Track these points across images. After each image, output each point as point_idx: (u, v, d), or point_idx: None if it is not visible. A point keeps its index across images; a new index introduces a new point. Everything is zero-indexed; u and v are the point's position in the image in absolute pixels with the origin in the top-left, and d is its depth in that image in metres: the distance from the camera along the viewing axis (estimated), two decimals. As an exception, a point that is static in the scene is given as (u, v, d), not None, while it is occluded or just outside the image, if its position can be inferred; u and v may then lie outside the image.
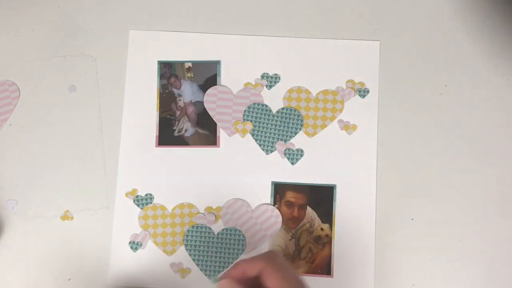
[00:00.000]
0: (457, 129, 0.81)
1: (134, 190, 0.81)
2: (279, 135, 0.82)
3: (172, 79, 0.84)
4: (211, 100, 0.83)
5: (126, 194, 0.81)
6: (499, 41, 0.82)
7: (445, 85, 0.82)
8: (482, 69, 0.82)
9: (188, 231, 0.80)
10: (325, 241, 0.80)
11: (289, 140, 0.82)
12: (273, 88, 0.83)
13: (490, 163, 0.80)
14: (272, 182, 0.81)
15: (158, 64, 0.84)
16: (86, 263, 0.81)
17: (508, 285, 0.78)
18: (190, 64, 0.84)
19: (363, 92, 0.83)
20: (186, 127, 0.83)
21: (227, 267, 0.80)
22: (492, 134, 0.81)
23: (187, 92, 0.84)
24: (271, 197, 0.81)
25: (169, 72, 0.84)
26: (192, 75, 0.84)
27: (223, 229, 0.80)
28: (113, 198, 0.82)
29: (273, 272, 0.57)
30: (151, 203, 0.81)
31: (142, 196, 0.81)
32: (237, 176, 0.82)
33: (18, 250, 0.81)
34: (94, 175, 0.82)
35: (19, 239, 0.81)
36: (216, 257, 0.80)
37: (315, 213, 0.80)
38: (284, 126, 0.82)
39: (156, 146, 0.82)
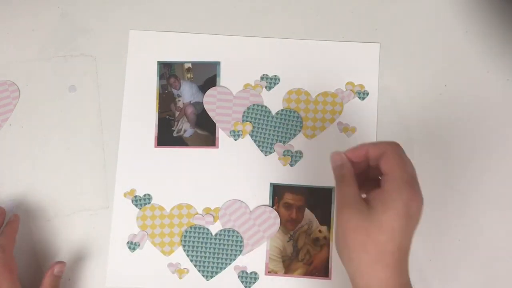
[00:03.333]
0: (457, 129, 0.81)
1: (133, 190, 0.81)
2: (278, 136, 0.82)
3: (172, 80, 0.84)
4: (211, 101, 0.83)
5: (125, 194, 0.81)
6: (499, 41, 0.82)
7: (445, 85, 0.82)
8: (482, 69, 0.82)
9: (186, 231, 0.80)
10: (323, 243, 0.80)
11: (288, 142, 0.82)
12: (272, 90, 0.83)
13: (490, 163, 0.80)
14: (271, 183, 0.81)
15: (157, 64, 0.84)
16: (86, 263, 0.81)
17: (508, 285, 0.78)
18: (189, 65, 0.84)
19: (362, 95, 0.82)
20: (185, 127, 0.83)
21: (224, 268, 0.80)
22: (492, 134, 0.80)
23: (186, 92, 0.84)
24: (269, 198, 0.81)
25: (168, 72, 0.84)
26: (192, 76, 0.84)
27: (221, 230, 0.80)
28: (113, 197, 0.82)
29: (394, 158, 0.60)
30: (149, 203, 0.81)
31: (140, 197, 0.81)
32: (236, 177, 0.81)
33: (18, 250, 0.81)
34: (94, 175, 0.83)
35: (19, 239, 0.81)
36: (214, 258, 0.80)
37: (313, 215, 0.80)
38: (283, 128, 0.82)
39: (155, 147, 0.82)
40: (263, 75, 0.84)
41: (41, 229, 0.82)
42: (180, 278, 0.80)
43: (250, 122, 0.82)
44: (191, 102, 0.83)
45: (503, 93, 0.81)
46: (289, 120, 0.82)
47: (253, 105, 0.83)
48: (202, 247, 0.80)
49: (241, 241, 0.80)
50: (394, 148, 0.61)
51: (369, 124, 0.82)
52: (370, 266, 0.59)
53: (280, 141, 0.82)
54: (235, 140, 0.82)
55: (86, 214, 0.82)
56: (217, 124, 0.83)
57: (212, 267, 0.80)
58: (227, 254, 0.80)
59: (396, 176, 0.59)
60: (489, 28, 0.82)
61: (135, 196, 0.81)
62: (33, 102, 0.84)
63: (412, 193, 0.59)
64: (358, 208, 0.60)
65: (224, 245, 0.80)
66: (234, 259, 0.80)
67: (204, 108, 0.83)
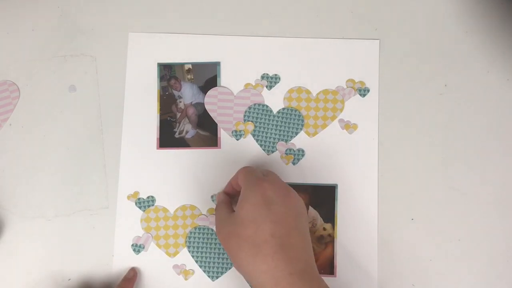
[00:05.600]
0: (457, 129, 0.81)
1: (136, 193, 0.81)
2: (280, 135, 0.82)
3: (172, 81, 0.84)
4: (212, 101, 0.83)
5: (128, 197, 0.81)
6: (499, 41, 0.82)
7: (445, 85, 0.82)
8: (482, 69, 0.82)
9: (191, 232, 0.81)
10: (328, 241, 0.80)
11: (290, 140, 0.82)
12: (273, 89, 0.83)
13: (490, 163, 0.80)
14: (274, 182, 0.81)
15: (157, 66, 0.84)
16: (86, 263, 0.81)
17: (508, 285, 0.78)
18: (190, 66, 0.84)
19: (363, 91, 0.83)
20: (187, 128, 0.83)
21: (230, 268, 0.80)
22: (492, 134, 0.81)
23: (187, 93, 0.83)
24: (273, 198, 0.81)
25: (169, 74, 0.84)
26: (192, 77, 0.84)
27: (225, 230, 0.81)
28: (113, 198, 0.82)
29: (241, 174, 0.72)
30: (153, 205, 0.81)
31: (143, 199, 0.81)
32: (239, 177, 0.82)
33: (18, 250, 0.81)
34: (94, 175, 0.82)
35: (19, 239, 0.81)
36: (219, 258, 0.80)
37: (317, 213, 0.80)
38: (285, 127, 0.82)
39: (157, 149, 0.82)
40: (264, 74, 0.84)
41: (41, 229, 0.82)
42: (185, 279, 0.80)
43: (252, 121, 0.83)
44: (192, 103, 0.83)
45: (503, 93, 0.81)
46: (290, 119, 0.82)
47: (254, 104, 0.83)
48: (207, 248, 0.80)
49: (245, 241, 0.80)
50: (242, 169, 0.73)
51: (370, 120, 0.82)
52: (252, 263, 0.64)
53: (282, 140, 0.82)
54: (237, 140, 0.82)
55: (86, 214, 0.82)
56: (218, 125, 0.83)
57: (218, 268, 0.80)
58: (232, 254, 0.80)
59: (244, 181, 0.70)
60: (489, 28, 0.83)
61: (139, 199, 0.81)
62: (33, 102, 0.84)
63: (262, 184, 0.68)
64: (228, 219, 0.69)
65: (228, 245, 0.80)
66: (239, 259, 0.80)
67: (205, 108, 0.83)
